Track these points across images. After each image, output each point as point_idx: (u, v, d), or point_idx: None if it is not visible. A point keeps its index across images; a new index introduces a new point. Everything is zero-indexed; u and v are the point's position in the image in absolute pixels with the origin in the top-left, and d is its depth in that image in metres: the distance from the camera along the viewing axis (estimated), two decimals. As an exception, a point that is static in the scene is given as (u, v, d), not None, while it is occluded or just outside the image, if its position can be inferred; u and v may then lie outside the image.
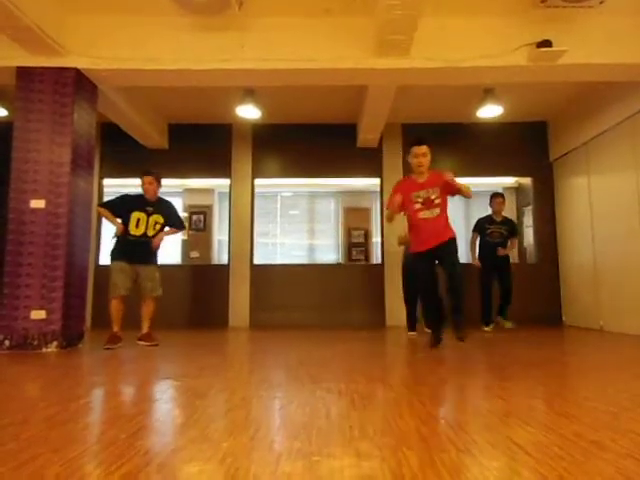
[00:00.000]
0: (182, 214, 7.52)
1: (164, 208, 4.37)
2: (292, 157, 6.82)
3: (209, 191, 7.71)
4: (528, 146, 6.79)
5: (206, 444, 1.42)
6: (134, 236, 4.19)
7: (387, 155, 6.80)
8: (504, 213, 5.73)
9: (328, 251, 7.61)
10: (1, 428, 1.60)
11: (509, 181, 7.28)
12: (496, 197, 5.65)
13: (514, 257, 5.89)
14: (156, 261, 4.37)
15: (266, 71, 4.29)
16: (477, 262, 5.54)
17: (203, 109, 6.29)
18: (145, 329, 4.23)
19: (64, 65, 4.17)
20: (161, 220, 4.30)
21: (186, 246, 7.49)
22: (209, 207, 7.66)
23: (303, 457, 1.30)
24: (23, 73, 4.16)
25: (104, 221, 6.73)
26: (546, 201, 6.72)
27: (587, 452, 1.33)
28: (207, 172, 6.91)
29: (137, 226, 4.20)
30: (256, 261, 6.71)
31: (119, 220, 4.17)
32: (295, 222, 7.53)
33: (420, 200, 3.76)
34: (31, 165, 4.06)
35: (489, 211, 5.71)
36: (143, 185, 4.29)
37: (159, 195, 4.41)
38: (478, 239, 5.61)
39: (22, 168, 4.05)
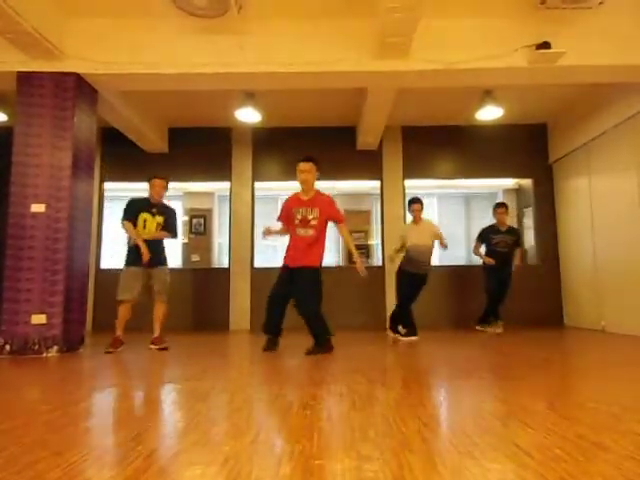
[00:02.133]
0: (183, 218, 7.54)
1: (166, 212, 4.45)
2: (292, 160, 6.74)
3: (209, 194, 7.72)
4: (528, 148, 6.80)
5: (207, 447, 1.42)
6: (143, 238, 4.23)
7: (387, 157, 6.80)
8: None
9: (328, 254, 7.60)
10: (2, 432, 1.60)
11: (509, 183, 7.29)
12: (498, 207, 5.62)
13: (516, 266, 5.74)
14: (165, 262, 4.40)
15: (266, 74, 4.31)
16: (489, 259, 5.49)
17: (203, 113, 6.31)
18: (156, 332, 4.24)
19: (64, 70, 4.18)
20: (162, 222, 4.39)
21: (187, 250, 7.49)
22: (209, 210, 7.67)
23: (304, 460, 1.30)
24: (23, 78, 4.17)
25: (105, 225, 6.77)
26: (546, 202, 6.73)
27: (589, 453, 1.33)
28: (207, 175, 6.91)
29: (144, 227, 4.30)
30: (256, 264, 6.70)
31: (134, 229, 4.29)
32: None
33: (299, 217, 3.85)
34: (32, 169, 4.07)
35: (492, 219, 5.69)
36: (153, 187, 4.39)
37: (164, 200, 4.52)
38: (482, 248, 5.61)
39: (23, 172, 4.06)
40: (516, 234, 5.63)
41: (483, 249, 5.66)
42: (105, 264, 6.67)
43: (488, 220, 7.88)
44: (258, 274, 6.60)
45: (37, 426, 1.68)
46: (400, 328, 4.97)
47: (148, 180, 4.44)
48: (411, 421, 1.69)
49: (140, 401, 2.14)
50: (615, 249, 5.33)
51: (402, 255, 5.02)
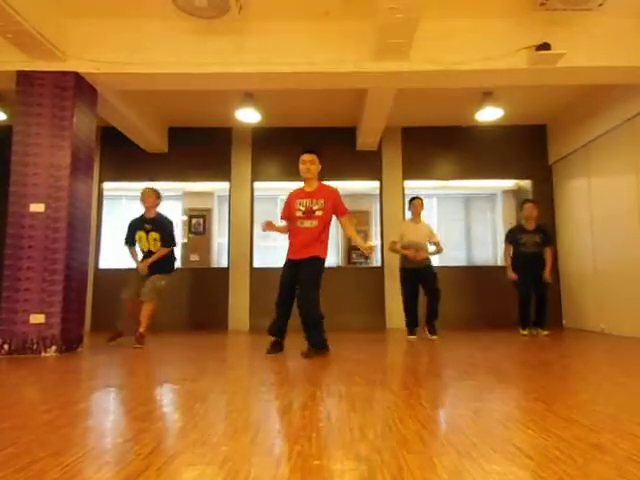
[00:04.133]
0: (182, 218, 7.54)
1: (159, 224, 4.66)
2: (291, 160, 6.75)
3: (209, 194, 7.71)
4: (527, 149, 6.81)
5: (206, 448, 1.42)
6: (144, 252, 4.65)
7: (386, 158, 6.81)
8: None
9: (327, 254, 7.60)
10: (0, 432, 1.59)
11: (508, 184, 7.29)
12: (526, 203, 5.42)
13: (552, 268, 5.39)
14: (163, 270, 4.62)
15: (266, 74, 4.31)
16: (513, 275, 5.29)
17: (203, 113, 6.31)
18: (141, 328, 4.40)
19: (64, 69, 4.18)
20: (158, 237, 4.61)
21: (186, 249, 7.49)
22: (209, 210, 7.67)
23: (303, 460, 1.30)
24: (23, 77, 4.16)
25: (103, 224, 6.76)
26: (545, 204, 6.73)
27: (588, 455, 1.33)
28: (207, 175, 6.91)
29: (141, 244, 4.65)
30: (256, 264, 6.70)
31: (139, 254, 4.71)
32: (295, 225, 7.53)
33: (302, 209, 3.79)
34: (31, 169, 4.06)
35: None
36: (142, 200, 4.66)
37: (159, 212, 4.74)
38: (511, 250, 5.39)
39: (22, 172, 4.05)
40: (545, 232, 5.35)
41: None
42: (104, 264, 6.67)
43: (487, 221, 7.88)
44: (257, 274, 6.60)
45: (35, 426, 1.67)
46: (435, 326, 4.96)
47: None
48: (410, 422, 1.69)
49: (138, 401, 2.13)
50: (614, 250, 5.33)
51: (397, 249, 5.06)
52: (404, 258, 5.04)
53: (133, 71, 4.25)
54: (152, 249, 4.62)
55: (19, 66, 4.14)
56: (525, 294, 5.30)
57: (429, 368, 3.07)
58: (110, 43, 4.24)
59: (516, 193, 7.43)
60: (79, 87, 4.26)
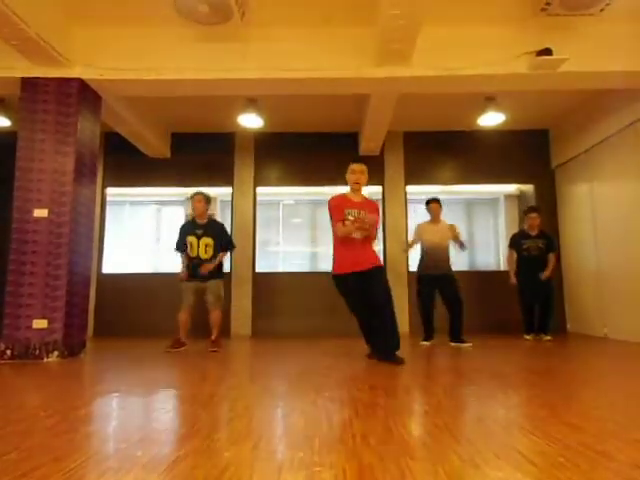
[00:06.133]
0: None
1: (212, 230, 4.65)
2: (294, 165, 6.84)
3: (211, 200, 7.72)
4: (530, 153, 6.80)
5: (208, 454, 1.41)
6: (192, 258, 4.58)
7: (389, 163, 6.81)
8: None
9: (330, 259, 7.59)
10: (3, 437, 1.59)
11: (511, 189, 7.28)
12: (529, 212, 5.50)
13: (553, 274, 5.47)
14: (219, 276, 4.65)
15: (268, 80, 4.33)
16: (513, 280, 5.39)
17: (205, 118, 6.33)
18: (213, 336, 4.59)
19: (68, 76, 4.20)
20: (211, 242, 4.58)
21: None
22: (211, 216, 7.67)
23: (305, 467, 1.29)
24: (27, 84, 4.19)
25: (107, 230, 6.77)
26: (548, 208, 6.71)
27: (593, 462, 1.32)
28: (209, 181, 6.91)
29: (191, 249, 4.59)
30: (258, 269, 6.70)
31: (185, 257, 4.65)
32: (297, 230, 7.53)
33: (351, 218, 3.66)
34: (35, 174, 4.08)
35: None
36: (193, 206, 4.68)
37: (210, 217, 4.78)
38: (515, 255, 5.48)
39: (26, 177, 4.07)
40: (549, 238, 5.45)
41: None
42: (107, 269, 6.68)
43: (490, 226, 7.85)
44: (260, 279, 6.59)
45: (38, 431, 1.67)
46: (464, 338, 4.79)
47: (190, 198, 4.73)
48: (413, 428, 1.68)
49: (140, 407, 2.13)
50: (618, 255, 5.31)
51: (412, 249, 5.00)
52: (423, 265, 4.96)
53: (137, 77, 4.27)
54: (202, 256, 4.54)
55: (24, 73, 4.17)
56: (528, 299, 5.39)
57: (432, 373, 3.06)
58: (114, 50, 4.27)
59: (519, 198, 7.43)
60: (83, 93, 4.29)
